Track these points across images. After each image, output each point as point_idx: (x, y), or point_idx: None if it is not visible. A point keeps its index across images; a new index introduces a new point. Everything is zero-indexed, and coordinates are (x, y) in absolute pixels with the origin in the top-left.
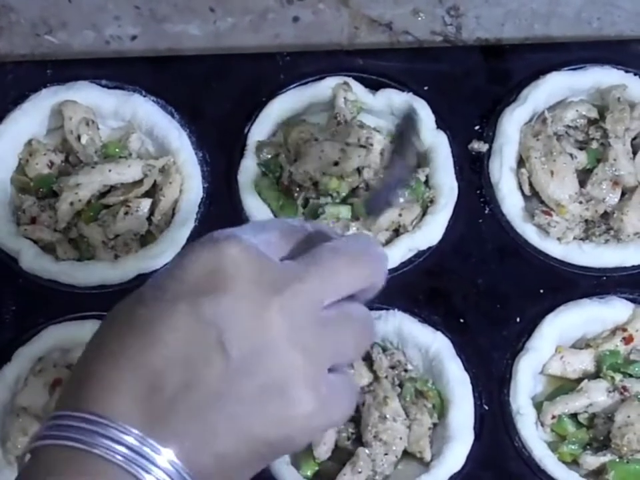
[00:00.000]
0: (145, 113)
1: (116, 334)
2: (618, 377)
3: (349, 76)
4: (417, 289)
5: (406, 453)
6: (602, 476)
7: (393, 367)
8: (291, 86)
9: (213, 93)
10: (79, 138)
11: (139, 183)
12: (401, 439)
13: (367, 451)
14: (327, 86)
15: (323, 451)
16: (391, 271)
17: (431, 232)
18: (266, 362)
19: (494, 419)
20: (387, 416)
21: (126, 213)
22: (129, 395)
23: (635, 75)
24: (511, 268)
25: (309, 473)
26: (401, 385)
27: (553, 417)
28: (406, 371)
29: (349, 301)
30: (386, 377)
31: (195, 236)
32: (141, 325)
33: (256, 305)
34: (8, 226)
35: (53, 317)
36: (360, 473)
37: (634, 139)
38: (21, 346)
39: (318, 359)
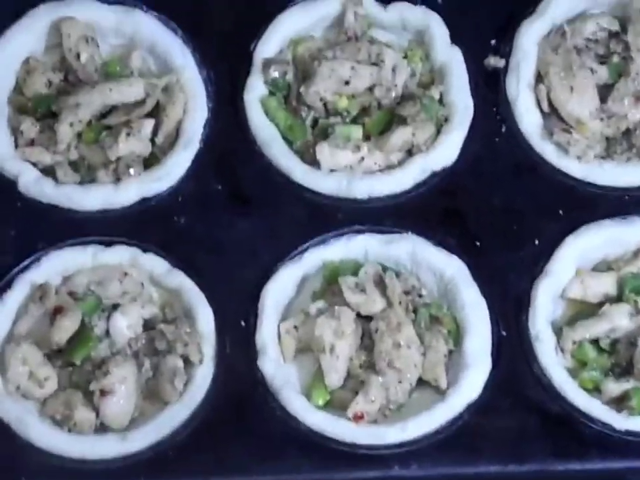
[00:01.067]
0: (146, 29)
1: None
2: None
3: None
4: (431, 211)
5: (421, 381)
6: (624, 403)
7: (406, 292)
8: (298, 0)
9: (218, 8)
10: (78, 56)
11: (141, 102)
12: (415, 366)
13: (380, 378)
14: (336, 0)
15: (335, 380)
16: (404, 192)
17: (446, 151)
18: None
19: (512, 345)
20: (401, 343)
21: (128, 134)
22: None
23: None
24: (529, 188)
25: (320, 402)
26: (415, 311)
27: (574, 343)
28: (420, 296)
29: None
30: (399, 303)
31: (199, 157)
32: None
33: None
34: (6, 148)
35: (53, 243)
36: (373, 401)
37: None
38: (21, 272)
39: None
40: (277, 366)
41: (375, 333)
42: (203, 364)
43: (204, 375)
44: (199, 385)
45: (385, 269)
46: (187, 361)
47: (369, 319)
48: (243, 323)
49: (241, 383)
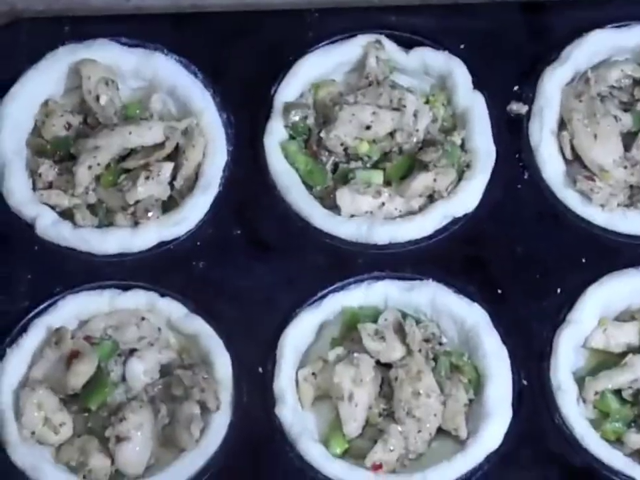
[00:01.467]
0: (166, 72)
1: None
2: None
3: (381, 34)
4: (452, 257)
5: (440, 430)
6: None
7: (426, 340)
8: (320, 44)
9: (238, 52)
10: (97, 98)
11: (160, 145)
12: (435, 415)
13: (399, 427)
14: (357, 44)
15: (353, 428)
16: (425, 239)
17: (467, 198)
18: None
19: (533, 395)
20: (421, 392)
21: (147, 178)
22: None
23: None
24: (551, 236)
25: (338, 451)
26: (435, 359)
27: (596, 393)
28: (440, 344)
29: None
30: (419, 351)
31: (218, 201)
32: None
33: None
34: (24, 191)
35: (70, 286)
36: (392, 450)
37: None
38: (37, 316)
39: None
40: (295, 414)
41: (395, 381)
42: (220, 411)
43: (221, 422)
44: (216, 432)
45: (404, 316)
46: (203, 407)
47: (388, 366)
48: (260, 370)
49: (258, 430)
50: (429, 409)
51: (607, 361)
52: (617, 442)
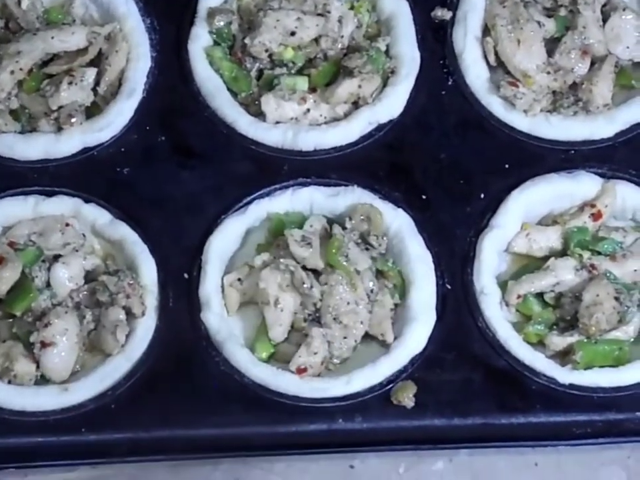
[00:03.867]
0: None
1: None
2: (586, 254)
3: None
4: (377, 164)
5: (366, 335)
6: (569, 357)
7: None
8: None
9: None
10: (19, 3)
11: (83, 51)
12: (362, 323)
13: (322, 331)
14: None
15: (279, 333)
16: (350, 145)
17: (392, 104)
18: None
19: (457, 299)
20: (350, 300)
21: (70, 83)
22: None
23: None
24: (475, 142)
25: (264, 355)
26: None
27: (518, 297)
28: (367, 249)
29: None
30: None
31: (143, 107)
32: None
33: None
34: None
35: None
36: (316, 354)
37: (604, 5)
38: None
39: None
40: (221, 319)
41: (324, 286)
42: (146, 316)
43: (146, 327)
44: (141, 337)
45: (330, 221)
46: (129, 313)
47: (313, 271)
48: (186, 276)
49: (184, 335)
50: (357, 317)
51: (530, 265)
52: (539, 344)
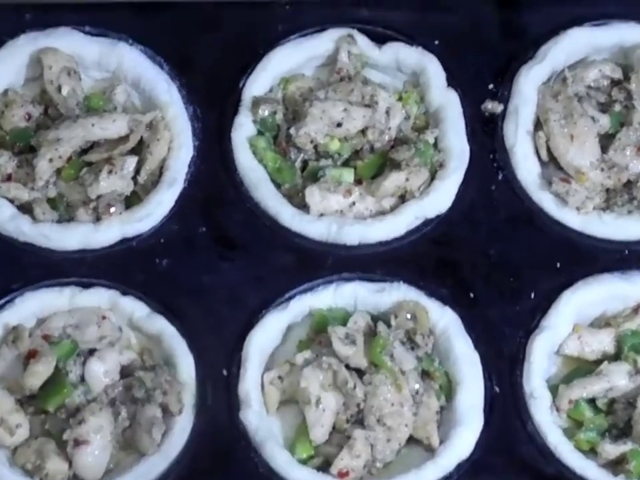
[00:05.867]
0: (131, 63)
1: None
2: None
3: (354, 28)
4: (423, 259)
5: (410, 437)
6: (621, 466)
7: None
8: (290, 37)
9: (206, 43)
10: (59, 89)
11: (124, 139)
12: (406, 425)
13: (366, 433)
14: (329, 38)
15: (320, 434)
16: (396, 240)
17: (440, 198)
18: None
19: (505, 402)
20: (395, 401)
21: (110, 172)
22: None
23: None
24: (526, 239)
25: (304, 456)
26: None
27: (570, 402)
28: (412, 349)
29: None
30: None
31: (184, 197)
32: None
33: None
34: None
35: (28, 283)
36: (358, 457)
37: None
38: None
39: None
40: (260, 418)
41: (368, 386)
42: (183, 414)
43: (183, 425)
44: (178, 436)
45: (374, 318)
46: (165, 410)
47: (357, 371)
48: (225, 372)
49: (223, 434)
50: (402, 419)
51: (581, 368)
52: (591, 452)
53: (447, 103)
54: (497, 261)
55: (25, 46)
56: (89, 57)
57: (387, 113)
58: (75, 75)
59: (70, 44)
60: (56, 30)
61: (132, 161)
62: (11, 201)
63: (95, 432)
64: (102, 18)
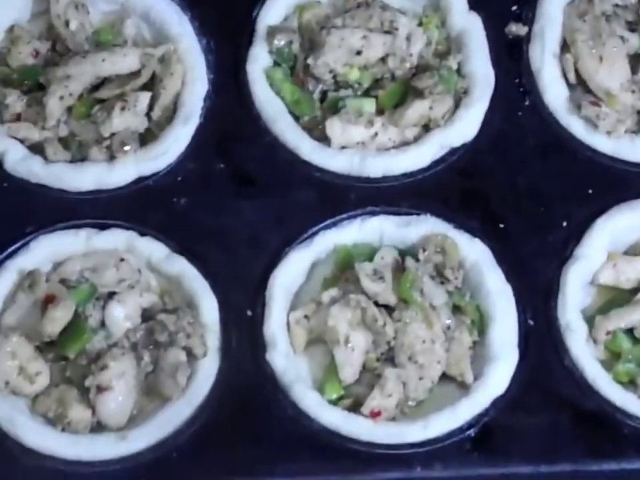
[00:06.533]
0: None
1: None
2: None
3: None
4: (450, 191)
5: (443, 375)
6: None
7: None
8: None
9: None
10: (67, 23)
11: (136, 74)
12: (439, 362)
13: (397, 372)
14: None
15: (350, 373)
16: (422, 170)
17: (465, 126)
18: None
19: (540, 336)
20: (427, 338)
21: (122, 109)
22: None
23: None
24: (555, 166)
25: (334, 397)
26: None
27: (607, 333)
28: (442, 282)
29: None
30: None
31: (200, 133)
32: None
33: None
34: None
35: (42, 226)
36: (390, 396)
37: None
38: (8, 258)
39: None
40: (287, 359)
41: (398, 323)
42: (207, 357)
43: (208, 369)
44: (203, 379)
45: (401, 253)
46: (189, 353)
47: (385, 307)
48: (249, 313)
49: (249, 377)
50: (434, 356)
51: (618, 298)
52: (630, 384)
53: (470, 26)
54: (527, 190)
55: None
56: None
57: (408, 39)
58: (83, 9)
59: None
60: None
61: (145, 97)
62: (22, 141)
63: (117, 378)
64: None
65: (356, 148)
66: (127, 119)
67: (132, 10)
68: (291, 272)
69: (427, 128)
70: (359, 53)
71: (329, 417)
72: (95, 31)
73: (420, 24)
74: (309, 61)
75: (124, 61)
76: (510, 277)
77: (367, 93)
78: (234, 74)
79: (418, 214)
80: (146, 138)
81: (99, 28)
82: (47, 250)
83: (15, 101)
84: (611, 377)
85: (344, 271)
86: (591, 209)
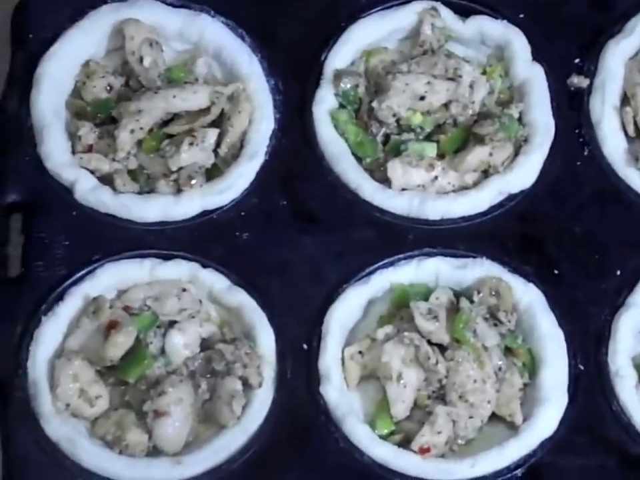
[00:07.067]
0: (213, 34)
1: None
2: None
3: (437, 0)
4: (507, 235)
5: (493, 415)
6: None
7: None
8: (373, 9)
9: (288, 16)
10: (141, 60)
11: (205, 111)
12: (489, 402)
13: (448, 409)
14: (412, 11)
15: (401, 409)
16: (480, 215)
17: (524, 173)
18: None
19: (590, 380)
20: (478, 377)
21: (190, 144)
22: None
23: None
24: (612, 215)
25: (385, 432)
26: None
27: None
28: (495, 325)
29: None
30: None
31: (264, 170)
32: None
33: None
34: (62, 154)
35: (109, 254)
36: (440, 433)
37: None
38: (74, 284)
39: None
40: (341, 393)
41: (450, 362)
42: (263, 387)
43: (263, 399)
44: (258, 409)
45: (456, 294)
46: (245, 383)
47: (439, 346)
48: (305, 346)
49: (302, 409)
50: (484, 395)
51: None
52: None
53: (532, 76)
54: (582, 237)
55: (106, 16)
56: (170, 28)
57: (471, 86)
58: (157, 46)
59: (152, 15)
60: (138, 0)
61: (213, 133)
62: (92, 172)
63: (175, 404)
64: None
65: (416, 190)
66: (194, 154)
67: (204, 49)
68: (347, 308)
69: (486, 173)
70: (422, 98)
71: (379, 451)
72: (168, 68)
73: (483, 72)
74: (374, 104)
75: (194, 98)
76: (562, 321)
77: (428, 138)
78: (300, 114)
79: (474, 257)
80: (212, 173)
81: (171, 65)
82: (112, 278)
83: (88, 133)
84: None
85: (399, 309)
86: None
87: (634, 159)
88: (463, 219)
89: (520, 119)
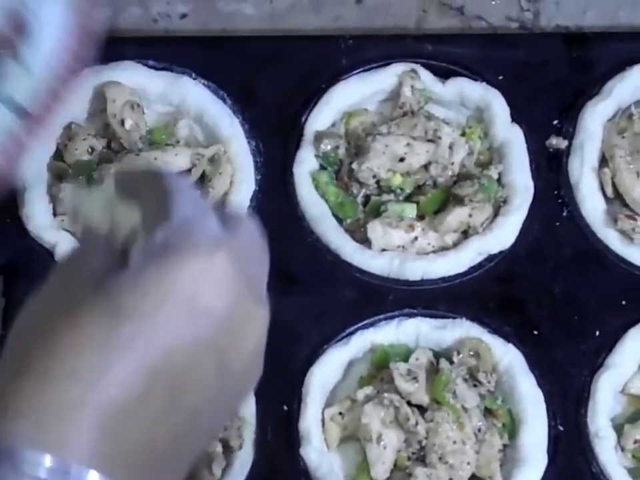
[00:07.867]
0: (194, 97)
1: None
2: None
3: (417, 63)
4: (486, 296)
5: (472, 475)
6: None
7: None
8: (353, 72)
9: (268, 78)
10: (122, 122)
11: (186, 172)
12: (468, 464)
13: (426, 470)
14: (392, 73)
15: (381, 471)
16: (459, 276)
17: (504, 234)
18: None
19: (569, 441)
20: (457, 439)
21: None
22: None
23: None
24: (591, 276)
25: None
26: None
27: (635, 442)
28: (475, 385)
29: None
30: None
31: None
32: None
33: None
34: (44, 217)
35: None
36: None
37: None
38: None
39: None
40: (321, 454)
41: (430, 423)
42: (243, 449)
43: (243, 461)
44: (238, 471)
45: (436, 355)
46: (225, 445)
47: (419, 407)
48: (285, 408)
49: (283, 471)
50: (464, 457)
51: None
52: None
53: (511, 138)
54: (562, 298)
55: (88, 79)
56: (152, 90)
57: (450, 148)
58: (139, 109)
59: (134, 77)
60: (119, 63)
61: None
62: (73, 234)
63: None
64: (165, 52)
65: (396, 251)
66: None
67: (186, 112)
68: (328, 369)
69: (466, 234)
70: (402, 159)
71: None
72: (149, 131)
73: (463, 134)
74: (354, 165)
75: (175, 160)
76: (542, 382)
77: (408, 199)
78: (281, 175)
79: (454, 317)
80: None
81: (153, 127)
82: None
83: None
84: None
85: (380, 370)
86: (624, 319)
87: (612, 219)
88: (443, 279)
89: (499, 180)
